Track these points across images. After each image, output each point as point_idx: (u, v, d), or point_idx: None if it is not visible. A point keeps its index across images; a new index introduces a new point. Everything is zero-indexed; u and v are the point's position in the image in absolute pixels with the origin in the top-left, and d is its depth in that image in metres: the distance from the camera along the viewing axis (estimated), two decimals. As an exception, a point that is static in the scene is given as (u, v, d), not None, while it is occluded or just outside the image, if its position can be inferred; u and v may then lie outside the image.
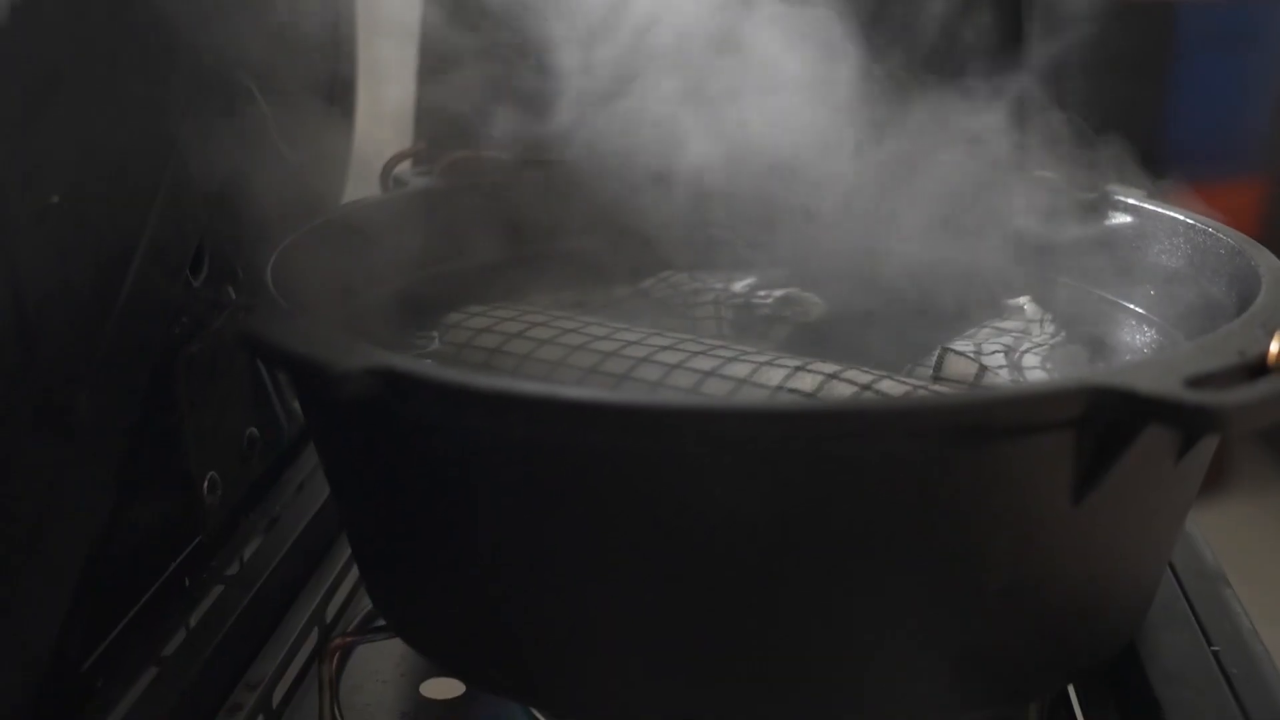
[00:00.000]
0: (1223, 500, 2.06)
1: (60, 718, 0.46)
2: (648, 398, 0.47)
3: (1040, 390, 0.42)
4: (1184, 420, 0.38)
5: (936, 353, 0.54)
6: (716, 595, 0.42)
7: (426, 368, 0.41)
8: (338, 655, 0.52)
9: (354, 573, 0.62)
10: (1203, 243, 0.56)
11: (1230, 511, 1.99)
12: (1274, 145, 2.71)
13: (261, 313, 0.46)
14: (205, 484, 0.56)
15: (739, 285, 0.62)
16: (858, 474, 0.40)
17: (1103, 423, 0.40)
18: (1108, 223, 0.61)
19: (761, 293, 0.62)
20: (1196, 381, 0.39)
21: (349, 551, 0.62)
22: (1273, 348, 0.42)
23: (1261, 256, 0.52)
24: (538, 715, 0.54)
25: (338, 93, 0.71)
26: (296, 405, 0.68)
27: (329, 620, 0.59)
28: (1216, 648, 0.51)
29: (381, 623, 0.54)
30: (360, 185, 0.73)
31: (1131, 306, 0.58)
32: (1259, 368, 0.41)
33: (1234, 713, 0.47)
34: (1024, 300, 0.60)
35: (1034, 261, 0.61)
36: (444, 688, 0.56)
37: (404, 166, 0.67)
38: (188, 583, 0.55)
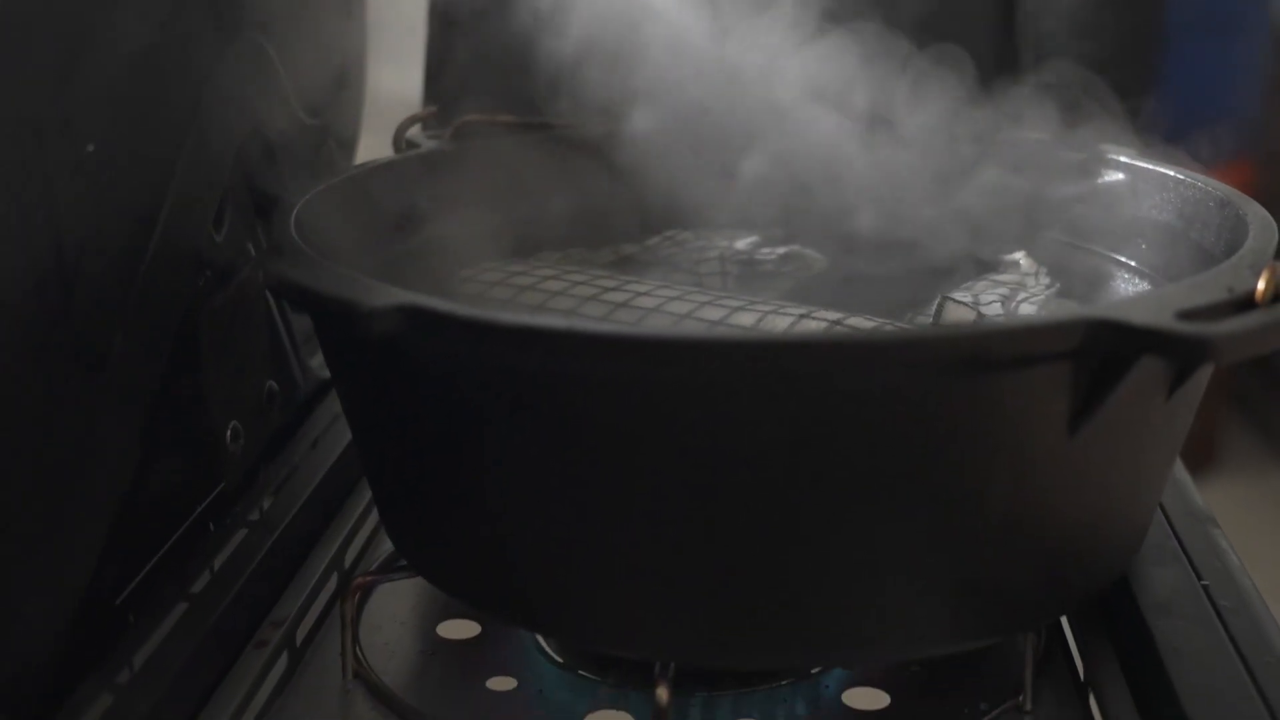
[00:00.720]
0: (1213, 482, 2.09)
1: (96, 648, 0.48)
2: (666, 330, 0.49)
3: (1038, 323, 0.44)
4: (1176, 350, 0.40)
5: (936, 302, 0.56)
6: (724, 526, 0.44)
7: (452, 305, 0.43)
8: (358, 594, 0.54)
9: (371, 520, 0.64)
10: (1192, 196, 0.58)
11: (1220, 493, 2.01)
12: (1261, 129, 2.74)
13: (289, 258, 0.48)
14: (228, 433, 0.58)
15: (742, 243, 0.64)
16: (863, 406, 0.42)
17: (1098, 355, 0.42)
18: (1099, 180, 0.63)
19: (765, 250, 0.64)
20: (1187, 315, 0.41)
21: (366, 501, 0.64)
22: (1259, 285, 0.44)
23: (1249, 206, 0.54)
24: (551, 653, 0.56)
25: (351, 59, 0.72)
26: (312, 362, 0.70)
27: (347, 566, 0.61)
28: (1206, 582, 0.53)
29: (401, 564, 0.56)
30: (369, 152, 0.75)
31: (1124, 260, 0.60)
32: (1246, 303, 0.43)
33: (1223, 641, 0.49)
34: (1019, 255, 0.62)
35: (1028, 219, 0.63)
36: (460, 629, 0.58)
37: (415, 130, 0.69)
38: (212, 527, 0.57)
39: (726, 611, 0.46)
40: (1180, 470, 0.61)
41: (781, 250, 0.63)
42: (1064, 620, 0.56)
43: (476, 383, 0.44)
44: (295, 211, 0.53)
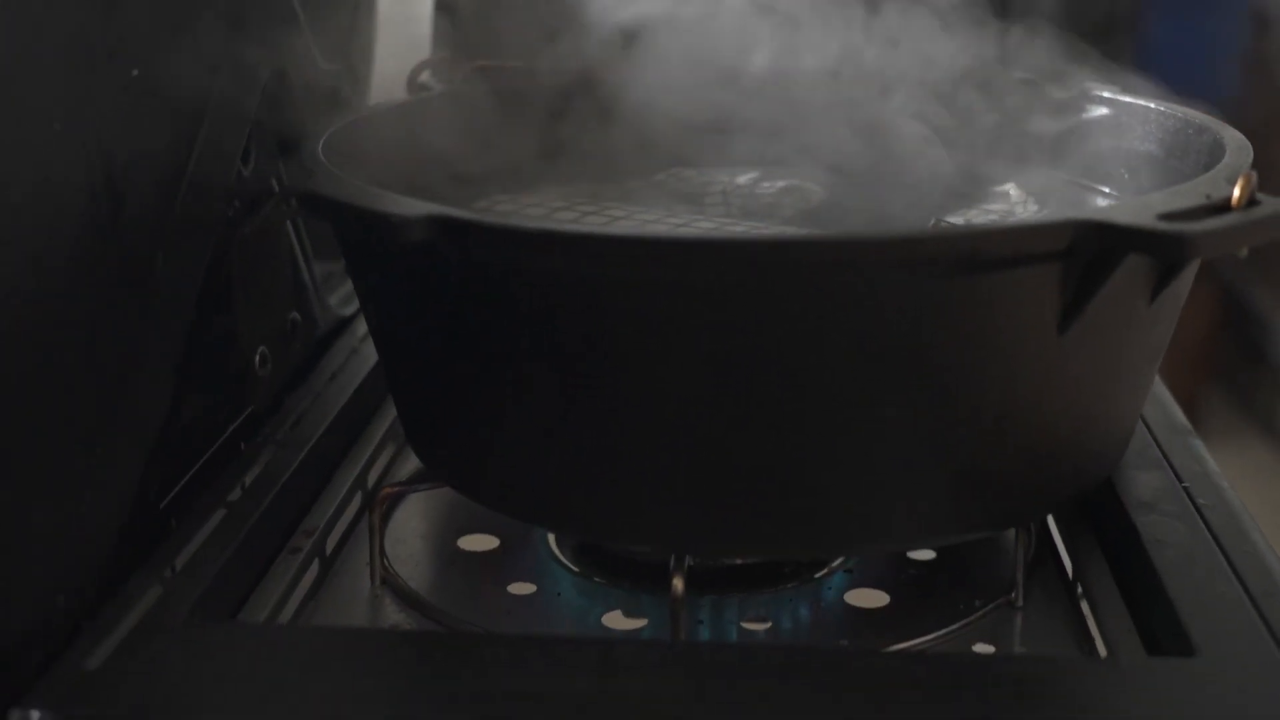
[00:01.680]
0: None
1: (143, 549, 0.50)
2: (679, 232, 0.51)
3: (1030, 224, 0.47)
4: (1157, 247, 0.44)
5: (930, 224, 0.59)
6: (732, 424, 0.47)
7: (479, 214, 0.46)
8: (385, 504, 0.57)
9: (392, 445, 0.67)
10: (1172, 126, 0.61)
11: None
12: (1239, 107, 2.77)
13: (320, 179, 0.51)
14: (256, 358, 0.61)
15: (744, 178, 0.67)
16: (863, 304, 0.45)
17: (1086, 255, 0.45)
18: (1084, 116, 0.66)
19: (765, 184, 0.67)
20: (1168, 216, 0.44)
21: (387, 426, 0.67)
22: (1234, 192, 0.47)
23: (1226, 132, 0.57)
24: (567, 563, 0.59)
25: (363, 5, 0.75)
26: (330, 300, 0.73)
27: (370, 484, 0.64)
28: (1187, 485, 0.56)
29: (424, 478, 0.59)
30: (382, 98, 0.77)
31: (1108, 190, 0.63)
32: (1223, 208, 0.46)
33: (1203, 534, 0.52)
34: (1009, 186, 0.65)
35: (1017, 154, 0.66)
36: (480, 542, 0.61)
37: (426, 75, 0.72)
38: (243, 447, 0.59)
39: (734, 506, 0.49)
40: (1161, 388, 0.64)
41: (781, 184, 0.66)
42: (1052, 524, 0.59)
43: (500, 288, 0.47)
44: (323, 140, 0.55)
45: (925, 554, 0.59)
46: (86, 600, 0.46)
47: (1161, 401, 0.64)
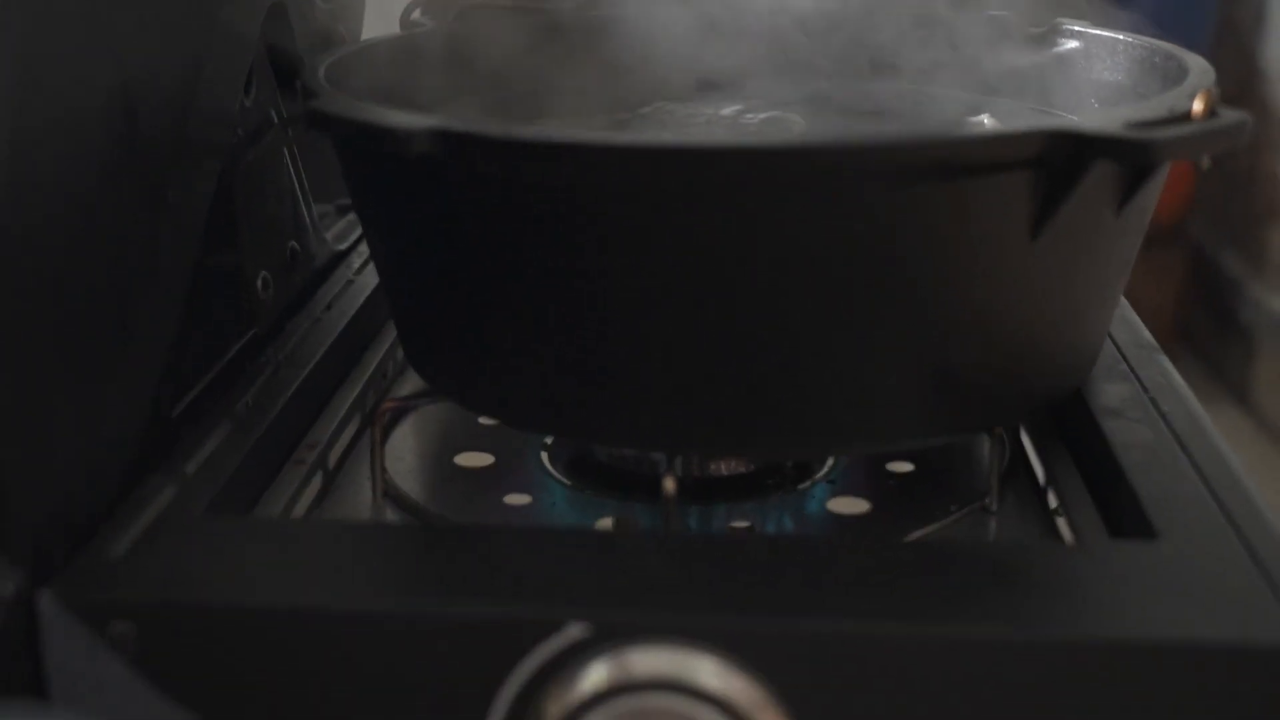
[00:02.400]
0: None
1: (157, 455, 0.53)
2: (676, 139, 0.54)
3: (1003, 133, 0.50)
4: (1124, 153, 0.46)
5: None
6: (720, 327, 0.49)
7: (481, 124, 0.48)
8: (385, 419, 0.59)
9: (392, 365, 0.69)
10: (1139, 55, 0.63)
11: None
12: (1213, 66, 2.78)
13: (327, 98, 0.53)
14: (259, 282, 0.63)
15: (727, 110, 0.70)
16: (843, 208, 0.47)
17: (1057, 163, 0.47)
18: (1056, 50, 0.68)
19: (748, 115, 0.69)
20: (1135, 126, 0.47)
21: (385, 349, 0.69)
22: (1195, 105, 0.49)
23: (1190, 58, 0.59)
24: (560, 478, 0.61)
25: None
26: (327, 235, 0.75)
27: (370, 403, 0.66)
28: (1152, 394, 0.59)
29: (423, 394, 0.61)
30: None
31: (1078, 120, 0.66)
32: (1185, 120, 0.49)
33: (1166, 436, 0.55)
34: (984, 117, 0.67)
35: (991, 88, 0.69)
36: (476, 459, 0.63)
37: (418, 13, 0.74)
38: (247, 367, 0.62)
39: (722, 408, 0.51)
40: (1128, 310, 0.67)
41: (764, 115, 0.68)
42: (1025, 437, 0.62)
43: (499, 199, 0.49)
44: (323, 67, 0.57)
45: (904, 465, 0.62)
46: (108, 496, 0.49)
47: (1129, 321, 0.66)
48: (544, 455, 0.63)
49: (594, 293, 0.50)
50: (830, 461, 0.62)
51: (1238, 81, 2.83)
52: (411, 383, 0.68)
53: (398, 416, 0.65)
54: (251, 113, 0.63)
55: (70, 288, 0.47)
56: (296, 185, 0.70)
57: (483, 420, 0.66)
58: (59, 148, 0.45)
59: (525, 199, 0.49)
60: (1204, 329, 2.69)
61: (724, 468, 0.60)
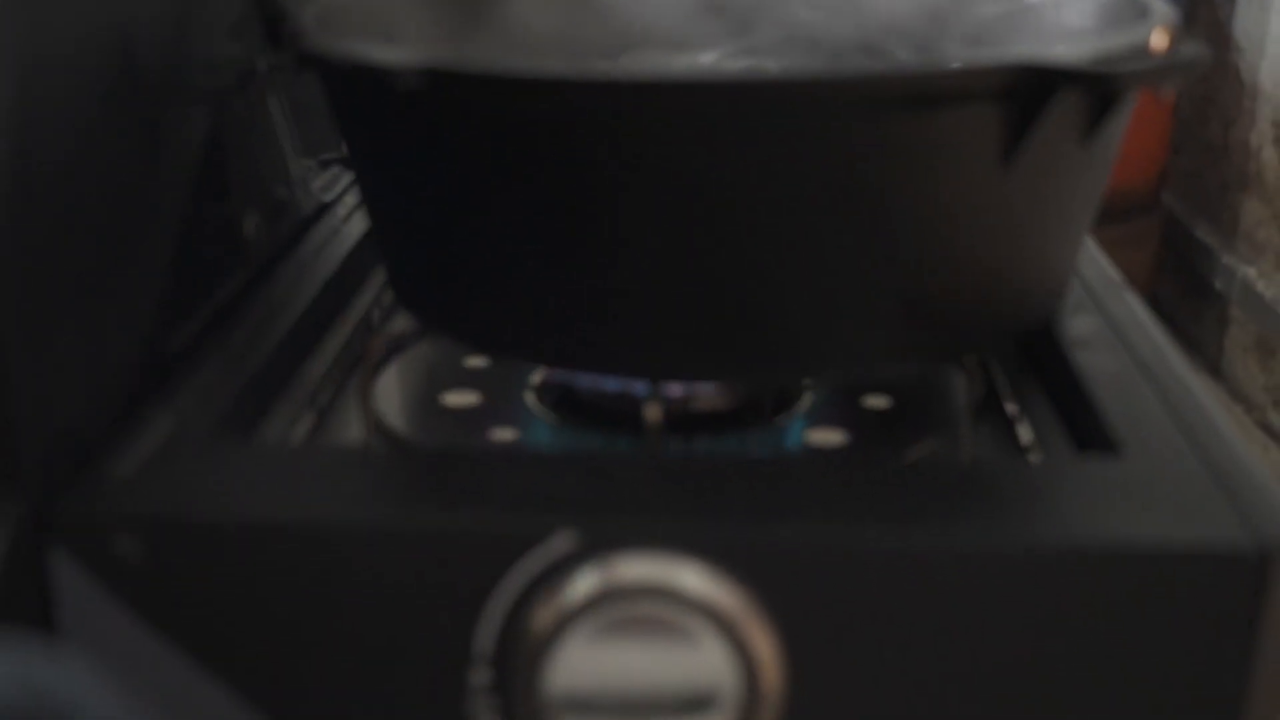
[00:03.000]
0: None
1: (154, 388, 0.54)
2: (662, 72, 0.55)
3: (972, 65, 0.51)
4: (1089, 83, 0.48)
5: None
6: (701, 257, 0.51)
7: (469, 61, 0.49)
8: (375, 358, 0.61)
9: (379, 310, 0.71)
10: (1107, 3, 0.65)
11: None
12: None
13: (317, 38, 0.54)
14: (250, 225, 0.64)
15: (705, 58, 0.71)
16: (819, 140, 0.49)
17: (1025, 94, 0.49)
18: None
19: (726, 63, 0.71)
20: (1099, 59, 0.49)
21: (375, 292, 0.71)
22: (1157, 40, 0.51)
23: (1155, 3, 0.61)
24: (544, 414, 0.63)
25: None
26: (313, 186, 0.77)
27: (358, 348, 0.68)
28: (1119, 327, 0.61)
29: (411, 335, 0.63)
30: None
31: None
32: (1147, 54, 0.51)
33: (1132, 364, 0.57)
34: (955, 65, 0.69)
35: (962, 37, 0.71)
36: (462, 398, 0.65)
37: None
38: (238, 310, 0.63)
39: (703, 334, 0.53)
40: (1096, 250, 0.69)
41: (741, 63, 0.70)
42: (997, 372, 0.64)
43: (489, 134, 0.51)
44: (312, 9, 0.59)
45: (879, 401, 0.64)
46: (110, 423, 0.50)
47: (1097, 261, 0.68)
48: (529, 395, 0.65)
49: (578, 225, 0.52)
50: (808, 397, 0.64)
51: (1212, 52, 2.85)
52: (399, 327, 0.69)
53: (387, 356, 0.66)
54: (240, 59, 0.64)
55: (73, 218, 0.48)
56: (283, 130, 0.71)
57: (468, 364, 0.68)
58: (62, 82, 0.47)
59: (513, 133, 0.51)
60: (1177, 298, 2.72)
61: (704, 403, 0.62)
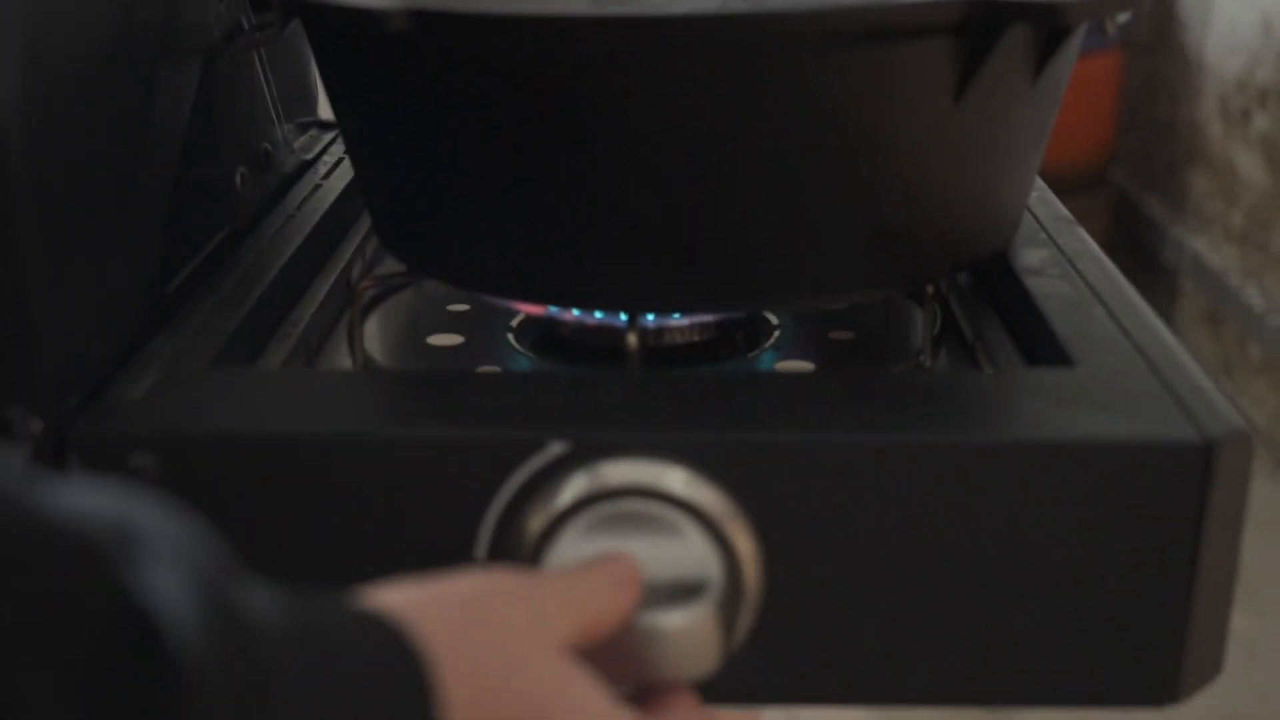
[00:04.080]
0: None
1: (154, 327, 0.57)
2: (628, 10, 0.58)
3: (926, 1, 0.54)
4: (1038, 16, 0.51)
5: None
6: (676, 192, 0.54)
7: (454, 3, 0.52)
8: (363, 298, 0.64)
9: (362, 260, 0.74)
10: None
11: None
12: (1133, 19, 2.86)
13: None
14: (238, 177, 0.67)
15: (681, 6, 0.74)
16: (780, 73, 0.52)
17: (977, 28, 0.52)
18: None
19: (704, 3, 0.74)
20: None
21: (359, 240, 0.74)
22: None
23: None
24: (525, 351, 0.66)
25: None
26: (296, 144, 0.79)
27: (345, 291, 0.70)
28: (1070, 257, 0.64)
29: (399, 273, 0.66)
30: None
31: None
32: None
33: (1083, 289, 0.60)
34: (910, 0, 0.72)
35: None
36: (447, 339, 0.68)
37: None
38: (229, 257, 0.66)
39: (677, 268, 0.56)
40: (1047, 191, 0.73)
41: (714, 3, 0.73)
42: (955, 305, 0.67)
43: (471, 75, 0.54)
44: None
45: (845, 334, 0.67)
46: (118, 353, 0.53)
47: (1048, 201, 0.72)
48: (511, 336, 0.68)
49: (555, 163, 0.54)
50: (777, 332, 0.67)
51: (1156, 29, 2.90)
52: (385, 270, 0.72)
53: (375, 298, 0.69)
54: (225, 18, 0.67)
55: (81, 166, 0.51)
56: (266, 92, 0.74)
57: (451, 308, 0.71)
58: (67, 40, 0.49)
59: (494, 73, 0.53)
60: (1128, 271, 2.75)
61: (679, 337, 0.65)
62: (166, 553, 0.31)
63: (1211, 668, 0.52)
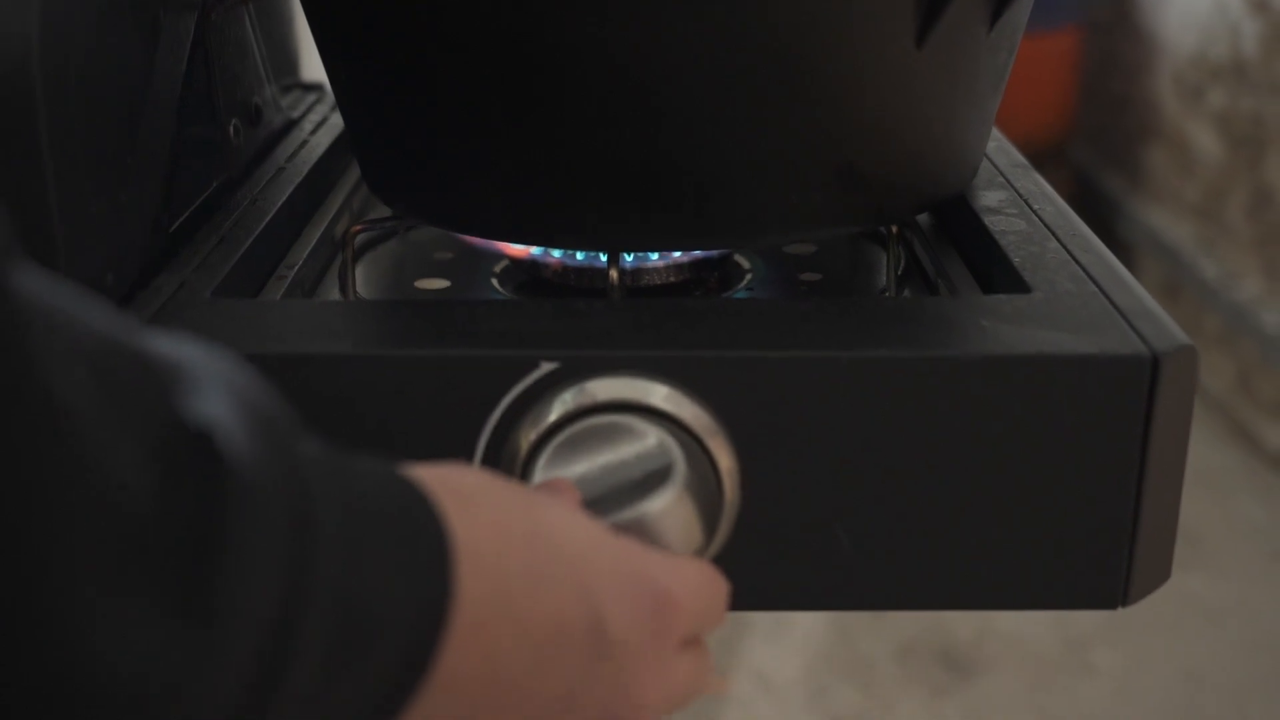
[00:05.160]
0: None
1: (158, 266, 0.60)
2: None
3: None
4: (994, -37, 0.55)
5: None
6: (654, 134, 0.57)
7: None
8: (355, 240, 0.67)
9: (350, 213, 0.77)
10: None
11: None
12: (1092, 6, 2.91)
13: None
14: (231, 128, 0.70)
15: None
16: (750, 20, 0.54)
17: (935, -24, 0.56)
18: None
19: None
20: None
21: (348, 190, 0.76)
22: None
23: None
24: (509, 294, 0.69)
25: None
26: (282, 102, 0.82)
27: (337, 235, 0.73)
28: (1025, 197, 0.68)
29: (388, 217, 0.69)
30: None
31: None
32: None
33: (1039, 225, 0.64)
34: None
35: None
36: (433, 284, 0.71)
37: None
38: (225, 203, 0.69)
39: (655, 206, 0.59)
40: (1005, 141, 0.76)
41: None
42: (918, 247, 0.70)
43: (453, 19, 0.56)
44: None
45: (813, 275, 0.70)
46: (128, 283, 0.56)
47: (1006, 149, 0.75)
48: (495, 280, 0.71)
49: (536, 107, 0.57)
50: (749, 274, 0.70)
51: (1114, 7, 2.95)
52: (375, 215, 0.75)
53: (363, 245, 0.72)
54: (218, -28, 0.70)
55: (92, 111, 0.53)
56: (256, 49, 0.76)
57: (436, 256, 0.74)
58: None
59: (476, 14, 0.56)
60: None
61: (656, 278, 0.68)
62: (220, 384, 0.34)
63: (1160, 574, 0.55)
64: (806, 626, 2.02)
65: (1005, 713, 1.86)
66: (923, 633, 2.00)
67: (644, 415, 0.50)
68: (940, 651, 1.97)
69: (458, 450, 0.52)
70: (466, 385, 0.51)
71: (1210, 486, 2.24)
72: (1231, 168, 2.45)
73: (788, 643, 1.99)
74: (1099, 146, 3.04)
